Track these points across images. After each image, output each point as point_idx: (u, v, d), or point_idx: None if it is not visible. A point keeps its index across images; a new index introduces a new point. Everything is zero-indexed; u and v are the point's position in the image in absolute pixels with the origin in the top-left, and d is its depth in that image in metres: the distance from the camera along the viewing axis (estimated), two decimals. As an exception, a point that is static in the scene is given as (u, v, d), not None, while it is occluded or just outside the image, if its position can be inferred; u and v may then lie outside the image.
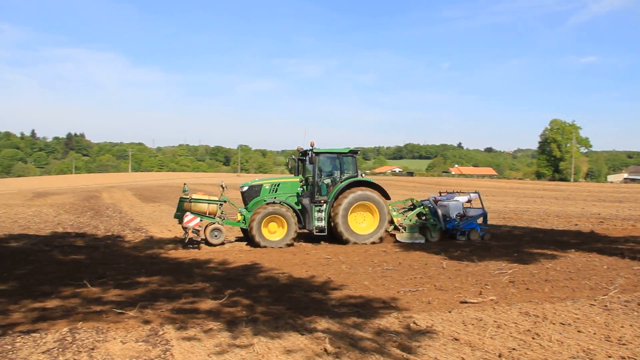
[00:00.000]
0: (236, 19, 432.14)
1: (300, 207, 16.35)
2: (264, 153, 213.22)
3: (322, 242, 16.64)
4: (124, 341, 6.40)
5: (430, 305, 8.40)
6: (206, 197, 16.21)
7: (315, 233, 16.30)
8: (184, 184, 17.02)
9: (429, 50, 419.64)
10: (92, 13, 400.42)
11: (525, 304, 8.44)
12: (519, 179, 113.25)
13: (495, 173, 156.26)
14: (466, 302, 8.52)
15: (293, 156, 17.75)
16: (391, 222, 16.91)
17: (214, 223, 15.78)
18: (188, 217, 15.38)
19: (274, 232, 15.71)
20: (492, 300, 8.72)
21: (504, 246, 15.26)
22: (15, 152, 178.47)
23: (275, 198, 16.25)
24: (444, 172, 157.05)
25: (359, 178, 16.85)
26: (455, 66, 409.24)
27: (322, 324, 7.22)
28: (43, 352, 5.96)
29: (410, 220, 17.17)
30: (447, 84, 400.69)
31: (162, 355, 5.93)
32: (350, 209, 16.09)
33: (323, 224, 16.28)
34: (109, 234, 17.82)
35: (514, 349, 6.24)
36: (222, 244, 15.83)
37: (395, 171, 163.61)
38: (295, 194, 16.69)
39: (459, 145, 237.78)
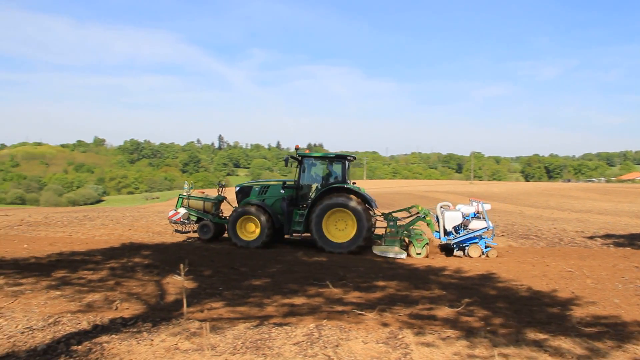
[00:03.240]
0: (471, 24, 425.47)
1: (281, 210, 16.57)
2: (497, 160, 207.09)
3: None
4: (365, 341, 6.67)
5: (698, 332, 7.37)
6: (203, 195, 18.02)
7: (292, 236, 16.54)
8: (185, 182, 18.86)
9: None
10: (328, 32, 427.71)
11: None
12: None
13: None
14: None
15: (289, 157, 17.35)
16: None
17: (206, 220, 17.24)
18: (171, 212, 17.69)
19: (252, 232, 16.28)
20: None
21: None
22: (264, 162, 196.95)
23: (263, 200, 16.75)
24: None
25: (341, 184, 16.18)
26: None
27: (567, 342, 6.75)
28: (294, 344, 6.48)
29: (401, 232, 15.70)
30: None
31: (402, 359, 6.07)
32: (325, 215, 15.58)
33: (300, 228, 16.06)
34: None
35: None
36: (213, 238, 17.15)
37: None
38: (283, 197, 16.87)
39: None
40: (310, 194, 16.59)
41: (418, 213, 16.31)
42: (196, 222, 17.66)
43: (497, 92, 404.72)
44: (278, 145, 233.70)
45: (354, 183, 17.39)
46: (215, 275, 11.08)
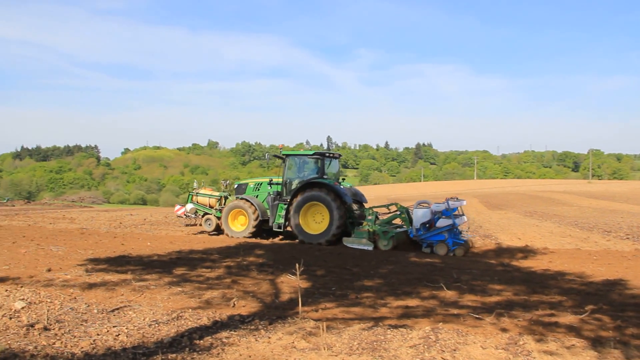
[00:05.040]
0: (588, 13, 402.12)
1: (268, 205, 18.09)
2: (619, 157, 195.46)
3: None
4: (484, 346, 6.45)
5: None
6: (208, 192, 20.11)
7: (274, 229, 17.76)
8: (194, 181, 21.66)
9: None
10: (436, 29, 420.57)
11: None
12: None
13: None
14: None
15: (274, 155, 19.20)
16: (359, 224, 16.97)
17: (211, 214, 19.27)
18: (177, 206, 20.61)
19: (243, 224, 18.13)
20: None
21: None
22: (372, 162, 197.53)
23: (257, 196, 18.55)
24: None
25: (318, 180, 17.06)
26: None
27: None
28: (410, 347, 6.39)
29: (371, 225, 16.11)
30: None
31: (524, 366, 5.82)
32: (302, 208, 16.76)
33: (282, 221, 17.48)
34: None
35: None
36: (216, 232, 19.17)
37: None
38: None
39: None
40: (282, 189, 18.10)
41: (397, 210, 16.97)
42: (202, 216, 19.72)
43: (618, 85, 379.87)
44: (386, 145, 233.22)
45: (343, 179, 19.28)
46: (328, 275, 11.18)
